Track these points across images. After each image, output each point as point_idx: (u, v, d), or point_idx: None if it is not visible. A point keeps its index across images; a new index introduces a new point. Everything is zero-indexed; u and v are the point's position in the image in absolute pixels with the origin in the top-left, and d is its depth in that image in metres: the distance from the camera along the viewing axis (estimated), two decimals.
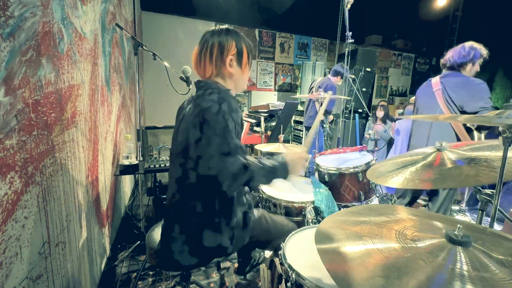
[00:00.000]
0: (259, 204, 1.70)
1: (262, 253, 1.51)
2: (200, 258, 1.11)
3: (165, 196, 1.35)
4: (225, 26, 1.12)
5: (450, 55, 1.94)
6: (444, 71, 2.01)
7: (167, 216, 1.15)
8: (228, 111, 0.96)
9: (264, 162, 1.04)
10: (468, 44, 1.91)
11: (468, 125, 1.86)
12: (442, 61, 2.00)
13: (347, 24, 2.47)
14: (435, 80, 1.99)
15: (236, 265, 1.86)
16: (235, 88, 1.15)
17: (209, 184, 1.01)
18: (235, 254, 2.00)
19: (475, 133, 1.91)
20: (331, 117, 3.53)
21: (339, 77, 3.60)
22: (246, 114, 4.00)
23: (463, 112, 1.84)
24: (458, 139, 1.89)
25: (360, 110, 4.89)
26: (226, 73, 1.09)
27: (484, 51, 1.88)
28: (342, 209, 1.47)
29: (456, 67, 1.92)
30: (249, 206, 1.20)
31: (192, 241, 1.07)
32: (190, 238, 1.07)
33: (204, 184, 1.02)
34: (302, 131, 5.20)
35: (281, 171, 1.07)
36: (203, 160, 0.98)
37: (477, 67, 1.91)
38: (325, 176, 1.84)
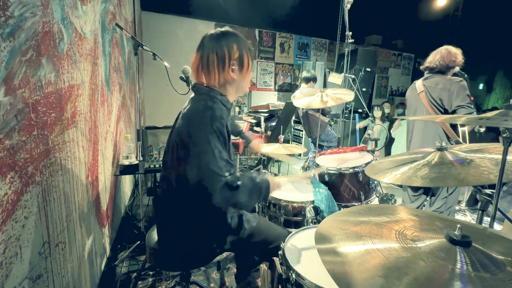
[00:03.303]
0: (258, 204, 1.70)
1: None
2: (193, 261, 1.12)
3: None
4: (224, 28, 1.08)
5: (437, 60, 2.00)
6: (427, 73, 2.09)
7: (159, 218, 1.15)
8: (210, 120, 0.95)
9: (250, 180, 1.04)
10: (450, 48, 2.00)
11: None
12: (428, 65, 2.06)
13: (347, 24, 2.47)
14: (419, 83, 2.10)
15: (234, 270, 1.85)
16: (236, 92, 1.13)
17: (196, 191, 1.00)
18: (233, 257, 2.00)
19: (459, 128, 2.00)
20: (326, 119, 3.57)
21: (311, 83, 3.64)
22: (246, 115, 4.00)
23: (445, 110, 1.96)
24: (447, 135, 2.00)
25: (360, 110, 4.90)
26: (229, 79, 1.06)
27: (460, 54, 2.00)
28: (342, 209, 1.47)
29: (444, 70, 2.00)
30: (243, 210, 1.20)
31: (186, 244, 1.07)
32: (183, 241, 1.07)
33: (192, 191, 1.02)
34: (302, 131, 5.20)
35: (265, 187, 1.07)
36: (186, 171, 0.97)
37: (459, 67, 2.03)
38: (325, 176, 1.84)
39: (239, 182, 0.97)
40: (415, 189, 2.24)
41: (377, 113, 4.39)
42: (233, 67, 1.05)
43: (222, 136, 0.97)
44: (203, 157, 0.92)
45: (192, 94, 1.11)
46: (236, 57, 1.04)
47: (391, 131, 4.15)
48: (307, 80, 3.63)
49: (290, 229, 1.33)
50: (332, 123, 3.87)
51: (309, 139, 3.94)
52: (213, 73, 1.03)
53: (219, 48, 1.02)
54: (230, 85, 1.09)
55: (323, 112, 3.50)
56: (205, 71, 1.05)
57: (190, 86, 1.15)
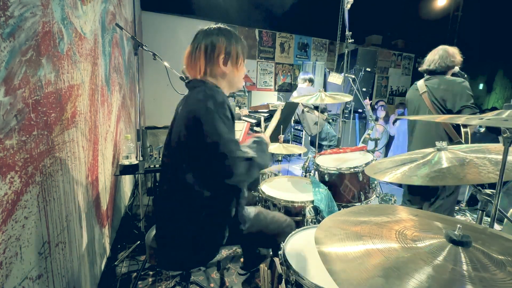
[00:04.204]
0: (258, 204, 1.70)
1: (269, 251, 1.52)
2: (194, 260, 1.12)
3: None
4: (218, 25, 1.12)
5: (436, 62, 2.00)
6: (427, 75, 2.09)
7: (160, 217, 1.15)
8: (215, 108, 0.97)
9: (254, 146, 1.10)
10: (447, 48, 1.99)
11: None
12: (427, 67, 2.05)
13: (347, 24, 2.47)
14: (421, 84, 2.09)
15: (241, 260, 1.88)
16: (229, 87, 1.16)
17: (203, 185, 1.02)
18: (237, 252, 2.01)
19: (462, 128, 1.98)
20: (323, 116, 3.62)
21: (307, 83, 3.71)
22: (246, 114, 4.01)
23: (448, 110, 1.94)
24: (449, 137, 1.99)
25: (360, 110, 4.90)
26: (219, 72, 1.10)
27: (457, 50, 2.00)
28: (342, 209, 1.48)
29: (444, 71, 2.00)
30: (244, 203, 1.21)
31: (187, 242, 1.07)
32: (186, 239, 1.07)
33: (199, 185, 1.03)
34: (302, 131, 5.20)
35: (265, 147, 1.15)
36: (199, 162, 0.99)
37: (459, 66, 2.02)
38: (325, 176, 1.84)
39: (249, 155, 1.01)
40: (414, 193, 2.23)
41: (381, 113, 4.37)
42: (224, 61, 1.08)
43: (228, 120, 1.00)
44: (216, 146, 0.95)
45: (187, 92, 1.13)
46: (225, 50, 1.08)
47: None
48: (304, 80, 3.70)
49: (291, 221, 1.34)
50: (330, 120, 3.89)
51: (309, 139, 3.96)
52: (199, 63, 1.08)
53: (211, 41, 1.07)
54: (222, 78, 1.12)
55: (322, 110, 3.54)
56: (194, 62, 1.08)
57: (185, 83, 1.16)
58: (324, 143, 3.72)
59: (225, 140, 0.95)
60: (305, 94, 3.64)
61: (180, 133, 1.02)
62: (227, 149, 0.95)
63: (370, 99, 6.51)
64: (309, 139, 4.03)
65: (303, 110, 3.66)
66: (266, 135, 1.25)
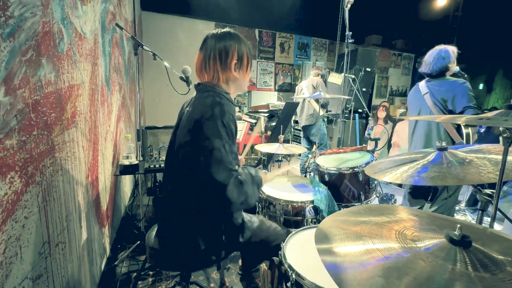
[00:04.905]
0: (258, 204, 1.70)
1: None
2: (196, 261, 1.12)
3: None
4: (226, 29, 1.13)
5: (432, 65, 1.99)
6: (427, 76, 2.09)
7: (162, 218, 1.15)
8: (220, 114, 0.96)
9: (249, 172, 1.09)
10: (442, 48, 1.98)
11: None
12: (425, 71, 2.04)
13: (347, 24, 2.47)
14: (422, 85, 2.09)
15: (240, 262, 1.88)
16: (236, 90, 1.17)
17: (203, 188, 1.01)
18: (236, 254, 2.00)
19: (463, 129, 1.96)
20: (322, 111, 3.66)
21: (319, 76, 3.79)
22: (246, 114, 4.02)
23: (450, 111, 1.94)
24: (451, 138, 1.98)
25: (360, 110, 4.90)
26: (231, 77, 1.11)
27: (452, 48, 1.98)
28: (342, 209, 1.47)
29: (443, 72, 1.99)
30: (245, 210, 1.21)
31: (187, 244, 1.07)
32: (186, 241, 1.07)
33: (199, 188, 1.02)
34: (301, 131, 5.20)
35: (260, 179, 1.13)
36: (197, 167, 0.98)
37: (455, 64, 2.00)
38: (325, 176, 1.84)
39: (240, 177, 0.99)
40: (414, 195, 2.23)
41: (382, 113, 4.36)
42: (236, 66, 1.09)
43: (230, 131, 0.99)
44: (215, 153, 0.94)
45: (194, 93, 1.13)
46: (238, 56, 1.09)
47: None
48: (317, 74, 3.75)
49: (290, 229, 1.33)
50: (325, 118, 3.89)
51: (304, 140, 3.97)
52: (215, 71, 1.08)
53: (222, 48, 1.07)
54: (233, 83, 1.13)
55: (322, 105, 3.55)
56: (208, 69, 1.08)
57: (193, 85, 1.16)
58: (314, 139, 3.74)
59: (223, 146, 0.94)
60: (313, 85, 3.67)
61: (184, 136, 1.03)
62: (224, 156, 0.94)
63: (370, 99, 6.53)
64: (303, 138, 4.06)
65: (304, 99, 3.68)
66: (267, 176, 1.23)
